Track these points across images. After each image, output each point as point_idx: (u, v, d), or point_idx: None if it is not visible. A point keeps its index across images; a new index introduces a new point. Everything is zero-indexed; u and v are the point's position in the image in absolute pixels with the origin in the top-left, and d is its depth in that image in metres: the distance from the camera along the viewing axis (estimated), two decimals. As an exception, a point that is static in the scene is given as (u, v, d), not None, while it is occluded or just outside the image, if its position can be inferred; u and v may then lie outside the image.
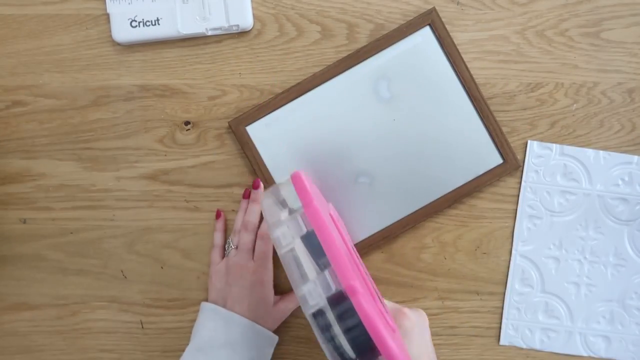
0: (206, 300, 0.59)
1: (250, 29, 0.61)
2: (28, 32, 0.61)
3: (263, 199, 0.46)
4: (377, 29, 0.61)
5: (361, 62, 0.60)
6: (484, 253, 0.62)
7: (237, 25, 0.60)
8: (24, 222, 0.62)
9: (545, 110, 0.61)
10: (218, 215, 0.61)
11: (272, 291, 0.58)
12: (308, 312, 0.41)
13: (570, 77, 0.61)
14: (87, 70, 0.61)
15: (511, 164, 0.60)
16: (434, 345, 0.61)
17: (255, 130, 0.60)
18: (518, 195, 0.61)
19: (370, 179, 0.60)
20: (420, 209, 0.60)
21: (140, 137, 0.62)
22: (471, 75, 0.60)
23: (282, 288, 0.61)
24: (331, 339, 0.41)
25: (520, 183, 0.61)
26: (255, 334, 0.55)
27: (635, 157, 0.61)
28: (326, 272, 0.41)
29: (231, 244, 0.59)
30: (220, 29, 0.60)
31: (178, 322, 0.62)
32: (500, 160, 0.60)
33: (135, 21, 0.59)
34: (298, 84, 0.60)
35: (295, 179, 0.45)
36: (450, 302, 0.62)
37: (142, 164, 0.62)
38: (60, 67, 0.61)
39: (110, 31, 0.60)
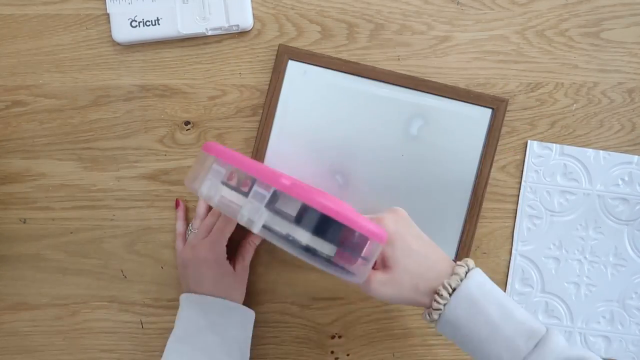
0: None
1: (250, 29, 0.61)
2: (28, 32, 0.61)
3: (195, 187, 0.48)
4: (377, 29, 0.61)
5: (417, 90, 0.59)
6: (484, 253, 0.62)
7: (237, 25, 0.60)
8: (24, 222, 0.62)
9: (545, 110, 0.61)
10: (177, 205, 0.61)
11: (227, 264, 0.56)
12: (257, 229, 0.42)
13: (570, 77, 0.61)
14: (87, 70, 0.61)
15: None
16: (433, 345, 0.61)
17: (292, 69, 0.60)
18: (518, 195, 0.61)
19: (345, 180, 0.60)
20: None
21: (140, 137, 0.62)
22: (487, 178, 0.60)
23: (257, 286, 0.61)
24: (289, 238, 0.42)
25: (520, 183, 0.61)
26: (230, 310, 0.55)
27: (635, 157, 0.61)
28: (255, 186, 0.43)
29: (191, 229, 0.59)
30: (220, 29, 0.60)
31: (178, 322, 0.62)
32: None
33: (135, 21, 0.59)
34: (357, 63, 0.59)
35: (205, 147, 0.48)
36: (450, 302, 0.62)
37: (142, 164, 0.62)
38: (60, 67, 0.61)
39: (110, 31, 0.60)
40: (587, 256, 0.61)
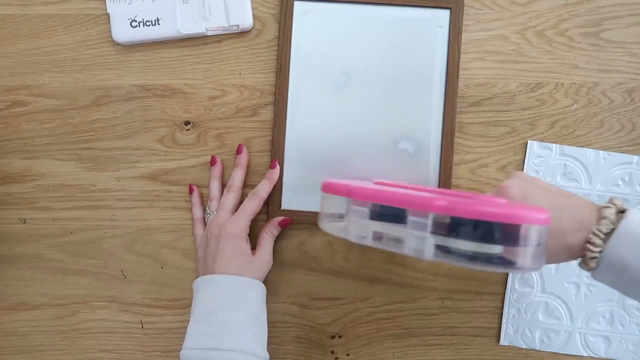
0: None
1: (250, 29, 0.61)
2: (28, 32, 0.61)
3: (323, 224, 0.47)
4: (377, 29, 0.61)
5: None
6: (484, 253, 0.62)
7: (237, 25, 0.60)
8: (24, 222, 0.62)
9: (545, 110, 0.61)
10: (191, 190, 0.61)
11: (247, 243, 0.57)
12: (429, 256, 0.40)
13: (570, 77, 0.61)
14: (87, 70, 0.61)
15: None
16: (433, 345, 0.61)
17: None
18: (518, 195, 0.61)
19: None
20: None
21: (140, 137, 0.62)
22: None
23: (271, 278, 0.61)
24: (460, 254, 0.40)
25: (520, 183, 0.61)
26: (245, 287, 0.55)
27: (635, 157, 0.61)
28: (410, 216, 0.41)
29: (209, 211, 0.59)
30: (220, 29, 0.60)
31: (178, 322, 0.62)
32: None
33: (135, 21, 0.59)
34: None
35: (327, 187, 0.46)
36: (450, 302, 0.62)
37: (142, 164, 0.62)
38: (60, 67, 0.61)
39: (110, 31, 0.60)
40: (587, 256, 0.61)
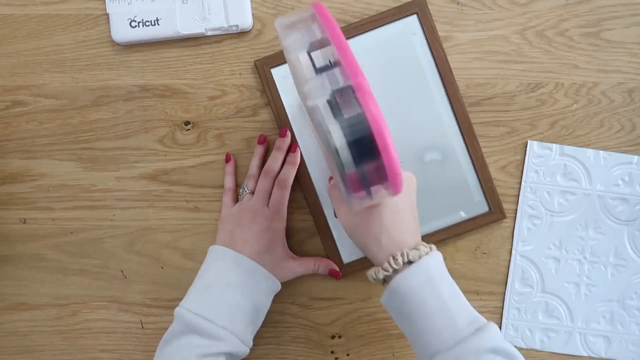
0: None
1: (250, 29, 0.61)
2: (28, 32, 0.61)
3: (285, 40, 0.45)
4: (377, 29, 0.61)
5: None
6: (484, 253, 0.62)
7: (237, 26, 0.60)
8: (24, 222, 0.62)
9: (545, 110, 0.61)
10: (228, 159, 0.61)
11: (284, 243, 0.58)
12: (310, 103, 0.40)
13: (570, 77, 0.61)
14: (87, 70, 0.61)
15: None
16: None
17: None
18: (518, 196, 0.61)
19: None
20: None
21: (140, 137, 0.62)
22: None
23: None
24: (325, 130, 0.40)
25: (520, 183, 0.61)
26: (261, 277, 0.55)
27: (635, 157, 0.61)
28: (335, 69, 0.41)
29: (245, 189, 0.59)
30: (219, 29, 0.60)
31: (178, 322, 0.62)
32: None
33: (135, 21, 0.59)
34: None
35: (316, 6, 0.44)
36: (450, 302, 0.62)
37: (142, 164, 0.62)
38: (60, 67, 0.61)
39: (110, 31, 0.60)
40: (587, 256, 0.61)
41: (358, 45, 0.60)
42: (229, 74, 0.61)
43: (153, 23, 0.59)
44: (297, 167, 0.59)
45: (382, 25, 0.60)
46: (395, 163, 0.40)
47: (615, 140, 0.61)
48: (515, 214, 0.61)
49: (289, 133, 0.60)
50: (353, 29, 0.59)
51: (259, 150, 0.60)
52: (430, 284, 0.46)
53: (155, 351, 0.61)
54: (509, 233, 0.61)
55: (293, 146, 0.60)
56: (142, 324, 0.62)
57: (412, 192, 0.50)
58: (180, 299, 0.61)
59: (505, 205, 0.61)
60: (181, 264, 0.62)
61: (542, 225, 0.61)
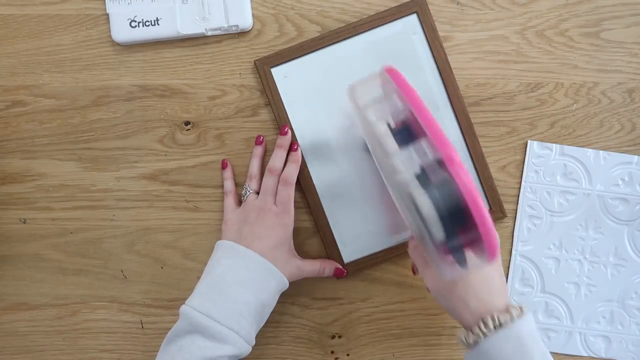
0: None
1: (250, 29, 0.61)
2: (28, 32, 0.61)
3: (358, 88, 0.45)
4: (377, 29, 0.61)
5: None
6: (484, 253, 0.62)
7: (237, 26, 0.60)
8: (24, 222, 0.62)
9: (545, 110, 0.61)
10: (224, 166, 0.61)
11: (291, 243, 0.58)
12: (403, 177, 0.40)
13: (570, 77, 0.61)
14: (87, 70, 0.61)
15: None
16: (433, 345, 0.61)
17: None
18: (518, 196, 0.61)
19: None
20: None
21: (140, 137, 0.62)
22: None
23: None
24: (416, 208, 0.40)
25: (520, 183, 0.61)
26: (270, 274, 0.55)
27: (635, 157, 0.61)
28: (422, 142, 0.41)
29: (249, 189, 0.59)
30: (219, 29, 0.60)
31: (178, 322, 0.62)
32: (414, 14, 0.60)
33: (135, 21, 0.59)
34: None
35: (390, 72, 0.44)
36: (450, 302, 0.62)
37: (142, 164, 0.62)
38: (60, 67, 0.61)
39: (110, 31, 0.60)
40: (587, 256, 0.61)
41: (358, 45, 0.60)
42: (229, 74, 0.61)
43: (153, 23, 0.59)
44: (299, 164, 0.59)
45: (382, 24, 0.60)
46: (493, 234, 0.39)
47: (615, 140, 0.61)
48: (515, 214, 0.61)
49: (289, 130, 0.60)
50: (353, 29, 0.59)
51: (257, 150, 0.60)
52: (522, 350, 0.45)
53: (155, 351, 0.61)
54: (509, 233, 0.61)
55: (294, 144, 0.60)
56: (142, 324, 0.62)
57: (499, 256, 0.50)
58: (180, 299, 0.61)
59: (505, 205, 0.61)
60: (181, 264, 0.62)
61: (542, 225, 0.61)
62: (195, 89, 0.61)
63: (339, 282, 0.62)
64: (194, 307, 0.52)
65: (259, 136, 0.60)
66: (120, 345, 0.62)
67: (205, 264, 0.61)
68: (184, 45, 0.61)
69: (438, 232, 0.40)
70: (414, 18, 0.60)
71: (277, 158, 0.59)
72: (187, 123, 0.61)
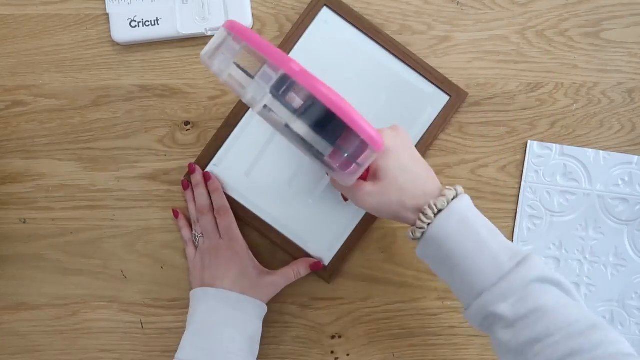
0: None
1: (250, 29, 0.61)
2: (28, 32, 0.61)
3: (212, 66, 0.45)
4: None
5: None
6: (484, 253, 0.62)
7: (237, 25, 0.60)
8: (24, 222, 0.62)
9: (545, 110, 0.61)
10: (176, 215, 0.61)
11: (251, 260, 0.58)
12: (257, 109, 0.41)
13: (570, 77, 0.61)
14: (87, 70, 0.61)
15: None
16: (433, 345, 0.61)
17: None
18: (518, 195, 0.61)
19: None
20: None
21: (140, 137, 0.62)
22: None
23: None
24: (287, 127, 0.41)
25: (520, 183, 0.61)
26: (245, 305, 0.55)
27: (635, 157, 0.61)
28: (264, 67, 0.42)
29: (197, 234, 0.59)
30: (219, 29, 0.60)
31: (178, 322, 0.62)
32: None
33: (135, 21, 0.59)
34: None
35: (226, 24, 0.45)
36: (450, 302, 0.62)
37: (142, 164, 0.62)
38: (60, 67, 0.61)
39: (109, 31, 0.60)
40: (587, 256, 0.61)
41: (392, 64, 0.60)
42: (229, 74, 0.61)
43: (153, 23, 0.59)
44: (222, 190, 0.59)
45: (423, 75, 0.60)
46: (359, 121, 0.40)
47: (615, 140, 0.61)
48: (515, 214, 0.61)
49: (196, 166, 0.60)
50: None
51: (189, 196, 0.61)
52: (465, 224, 0.46)
53: (155, 351, 0.62)
54: (509, 233, 0.61)
55: (207, 175, 0.60)
56: (142, 324, 0.62)
57: (406, 143, 0.50)
58: (180, 299, 0.62)
59: (505, 205, 0.61)
60: (181, 264, 0.62)
61: (542, 225, 0.61)
62: (195, 89, 0.61)
63: (339, 282, 0.62)
64: (184, 358, 0.52)
65: (184, 181, 0.61)
66: (120, 345, 0.62)
67: (205, 264, 0.61)
68: (184, 45, 0.61)
69: (323, 148, 0.41)
70: (444, 98, 0.60)
71: (200, 197, 0.59)
72: (187, 123, 0.61)
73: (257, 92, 0.42)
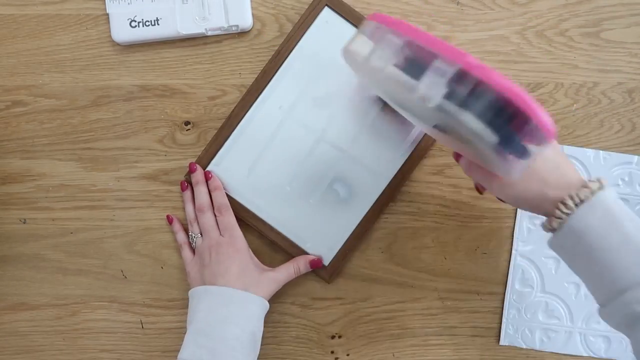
0: None
1: (250, 29, 0.61)
2: (28, 32, 0.61)
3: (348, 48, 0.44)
4: (377, 29, 0.61)
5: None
6: (484, 253, 0.62)
7: (237, 26, 0.60)
8: (24, 222, 0.62)
9: (546, 110, 0.61)
10: (170, 221, 0.61)
11: (252, 258, 0.58)
12: (434, 103, 0.39)
13: (570, 77, 0.61)
14: (87, 70, 0.61)
15: None
16: (433, 345, 0.61)
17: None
18: (518, 195, 0.61)
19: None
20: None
21: (140, 137, 0.62)
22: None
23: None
24: (461, 120, 0.39)
25: (520, 183, 0.61)
26: (247, 302, 0.55)
27: (635, 157, 0.61)
28: (436, 64, 0.40)
29: (194, 236, 0.59)
30: (219, 29, 0.60)
31: (178, 322, 0.62)
32: None
33: (135, 21, 0.59)
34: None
35: (374, 17, 0.43)
36: (450, 302, 0.62)
37: (142, 164, 0.62)
38: (60, 67, 0.61)
39: (109, 31, 0.60)
40: (587, 256, 0.61)
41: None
42: (229, 74, 0.61)
43: (153, 23, 0.59)
44: (223, 188, 0.59)
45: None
46: (543, 113, 0.38)
47: (615, 140, 0.61)
48: (515, 214, 0.61)
49: (197, 165, 0.60)
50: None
51: (186, 196, 0.60)
52: (609, 217, 0.43)
53: (155, 351, 0.62)
54: (509, 233, 0.61)
55: (208, 174, 0.60)
56: (142, 324, 0.62)
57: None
58: (180, 299, 0.62)
59: (505, 205, 0.61)
60: (181, 264, 0.62)
61: (542, 225, 0.61)
62: (195, 89, 0.61)
63: (339, 282, 0.62)
64: (187, 358, 0.52)
65: (182, 182, 0.61)
66: (120, 345, 0.62)
67: (205, 264, 0.61)
68: (184, 45, 0.61)
69: (491, 137, 0.39)
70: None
71: (201, 194, 0.59)
72: (187, 123, 0.61)
73: (431, 87, 0.39)
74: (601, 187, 0.44)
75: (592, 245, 0.43)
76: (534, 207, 0.47)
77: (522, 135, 0.40)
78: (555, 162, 0.46)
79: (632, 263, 0.42)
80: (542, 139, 0.40)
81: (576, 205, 0.44)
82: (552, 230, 0.46)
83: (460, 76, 0.39)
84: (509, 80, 0.38)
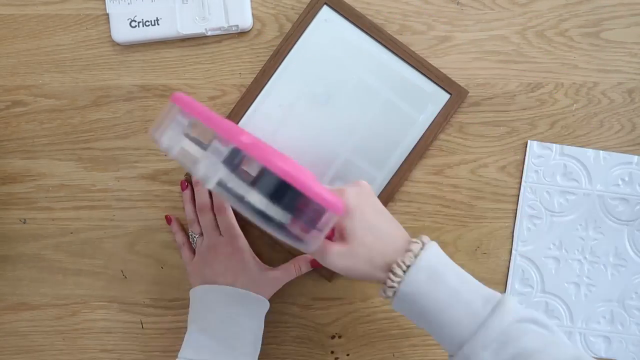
0: None
1: (250, 29, 0.61)
2: (28, 32, 0.61)
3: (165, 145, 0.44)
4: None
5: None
6: (484, 253, 0.62)
7: (237, 26, 0.60)
8: (24, 222, 0.62)
9: (545, 110, 0.61)
10: (169, 221, 0.61)
11: (253, 257, 0.58)
12: (211, 185, 0.40)
13: (570, 77, 0.61)
14: (87, 70, 0.61)
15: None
16: (433, 345, 0.61)
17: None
18: (518, 195, 0.61)
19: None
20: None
21: (140, 137, 0.62)
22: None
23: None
24: (243, 200, 0.39)
25: (520, 183, 0.61)
26: (248, 301, 0.55)
27: (635, 157, 0.61)
28: (214, 141, 0.40)
29: (194, 235, 0.59)
30: (219, 29, 0.60)
31: (178, 322, 0.62)
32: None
33: (135, 21, 0.59)
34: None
35: (172, 98, 0.44)
36: (450, 302, 0.62)
37: (142, 164, 0.62)
38: (60, 67, 0.61)
39: (109, 31, 0.60)
40: (587, 256, 0.61)
41: (393, 63, 0.60)
42: (229, 74, 0.61)
43: (153, 23, 0.59)
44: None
45: (424, 74, 0.60)
46: (322, 194, 0.39)
47: (615, 140, 0.61)
48: (515, 214, 0.61)
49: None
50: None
51: (186, 196, 0.60)
52: (434, 276, 0.45)
53: (155, 351, 0.62)
54: (509, 233, 0.61)
55: (182, 183, 0.60)
56: (142, 324, 0.62)
57: (370, 198, 0.49)
58: (180, 299, 0.62)
59: (505, 205, 0.61)
60: (181, 264, 0.62)
61: (542, 225, 0.61)
62: (195, 89, 0.61)
63: (339, 282, 0.62)
64: (189, 357, 0.52)
65: (182, 181, 0.60)
66: (120, 345, 0.62)
67: (205, 264, 0.61)
68: (184, 45, 0.61)
69: (283, 217, 0.40)
70: (444, 96, 0.60)
71: (201, 194, 0.59)
72: (187, 123, 0.61)
73: (209, 168, 0.40)
74: (423, 247, 0.46)
75: (425, 307, 0.45)
76: (367, 276, 0.48)
77: (306, 212, 0.40)
78: (380, 229, 0.48)
79: (462, 316, 0.44)
80: (326, 212, 0.41)
81: (404, 271, 0.46)
82: (388, 297, 0.47)
83: (237, 155, 0.39)
84: (281, 158, 0.39)
